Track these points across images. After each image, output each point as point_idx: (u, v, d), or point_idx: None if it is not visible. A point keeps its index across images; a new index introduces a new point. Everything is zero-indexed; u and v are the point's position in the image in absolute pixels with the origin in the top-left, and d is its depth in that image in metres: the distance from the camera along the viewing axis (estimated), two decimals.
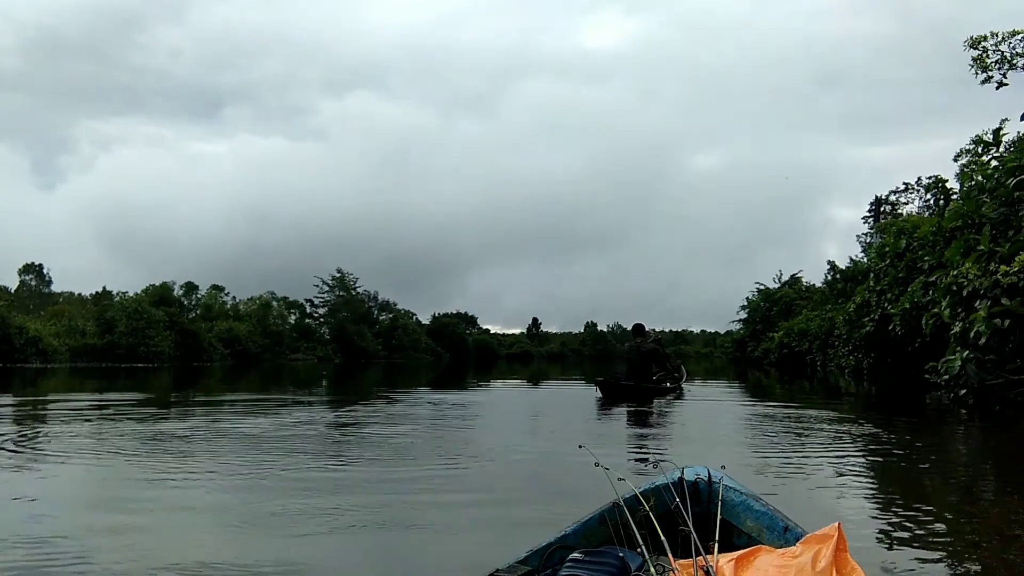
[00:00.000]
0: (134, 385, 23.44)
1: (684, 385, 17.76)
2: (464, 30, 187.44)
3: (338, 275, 75.06)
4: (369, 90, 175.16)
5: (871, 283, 24.59)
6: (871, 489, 6.35)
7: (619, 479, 3.29)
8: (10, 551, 4.06)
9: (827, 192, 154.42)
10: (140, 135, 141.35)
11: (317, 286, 73.77)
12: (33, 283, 65.76)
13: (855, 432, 10.07)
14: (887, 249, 23.39)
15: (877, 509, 5.46)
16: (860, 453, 8.26)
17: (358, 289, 77.06)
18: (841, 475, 6.64)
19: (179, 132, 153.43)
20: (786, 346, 44.39)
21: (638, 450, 8.35)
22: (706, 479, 3.46)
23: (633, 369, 15.29)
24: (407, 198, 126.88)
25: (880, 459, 7.99)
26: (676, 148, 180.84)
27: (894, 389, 19.59)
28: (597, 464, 3.39)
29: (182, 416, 12.32)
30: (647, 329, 16.85)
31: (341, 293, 74.80)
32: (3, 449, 7.99)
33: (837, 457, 7.71)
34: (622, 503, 3.19)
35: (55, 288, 66.14)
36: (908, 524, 4.85)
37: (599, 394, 15.09)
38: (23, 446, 8.37)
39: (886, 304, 22.37)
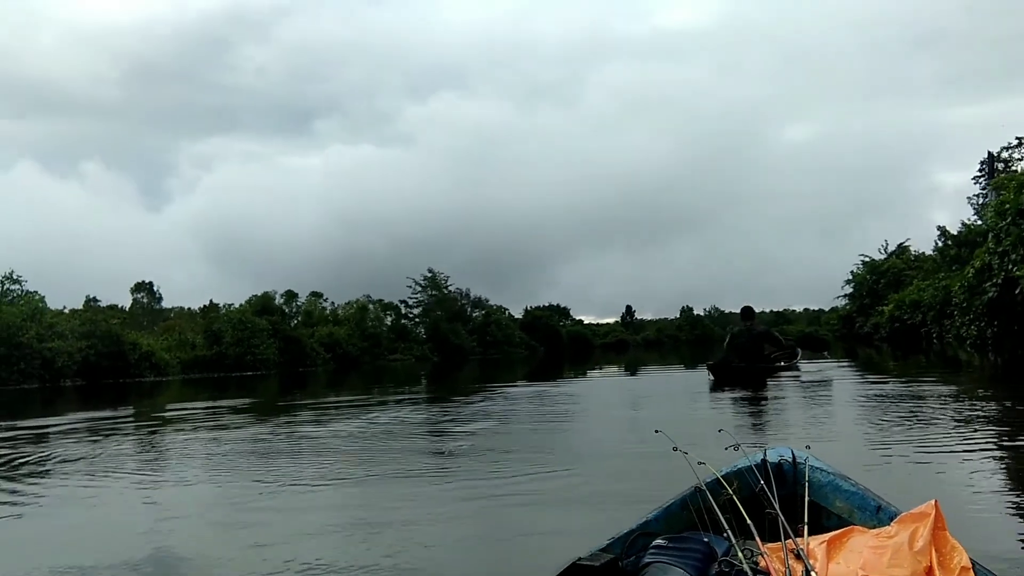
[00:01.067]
0: (245, 392, 24.12)
1: (799, 364, 17.02)
2: (537, 20, 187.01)
3: (430, 275, 75.99)
4: (450, 90, 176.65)
5: (991, 244, 22.85)
6: (989, 468, 5.83)
7: (699, 463, 3.19)
8: (137, 555, 4.27)
9: (930, 156, 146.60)
10: (236, 153, 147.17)
11: (410, 287, 74.95)
12: (145, 300, 69.21)
13: (976, 409, 9.34)
14: (1007, 206, 21.69)
15: (991, 489, 5.06)
16: (981, 431, 7.62)
17: (450, 288, 77.85)
18: (958, 454, 6.27)
19: (273, 147, 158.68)
20: (897, 319, 42.33)
21: (747, 433, 7.93)
22: (790, 460, 3.35)
23: (743, 351, 15.22)
24: (494, 194, 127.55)
25: (1004, 437, 7.30)
26: (765, 122, 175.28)
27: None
28: (675, 448, 3.29)
29: (293, 420, 12.58)
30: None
31: (434, 292, 75.70)
32: (128, 454, 8.44)
33: (954, 435, 7.23)
34: (704, 487, 3.08)
35: (166, 304, 69.62)
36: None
37: (711, 377, 14.98)
38: (147, 454, 8.87)
39: (1010, 266, 20.77)
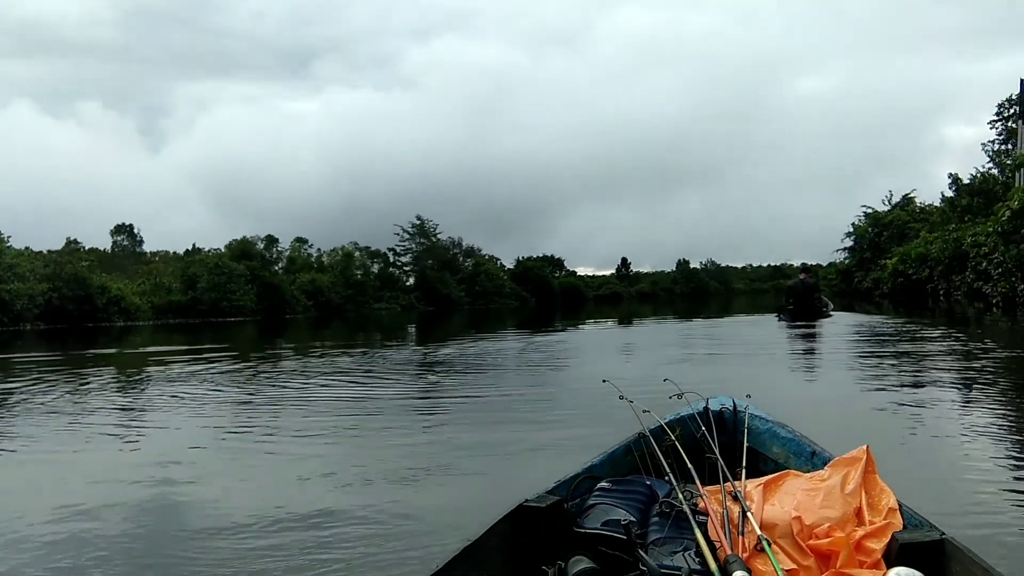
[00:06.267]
0: (215, 339, 22.58)
1: (832, 312, 20.73)
2: None
3: (418, 223, 73.98)
4: (456, 34, 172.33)
5: None
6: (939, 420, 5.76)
7: (644, 411, 3.30)
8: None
9: (941, 111, 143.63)
10: (233, 96, 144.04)
11: (397, 235, 72.98)
12: (125, 243, 66.98)
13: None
14: None
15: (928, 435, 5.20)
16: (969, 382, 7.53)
17: (439, 236, 75.84)
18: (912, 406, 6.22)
19: (270, 90, 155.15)
20: (901, 274, 40.50)
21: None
22: (731, 408, 3.49)
23: (800, 298, 19.60)
24: (498, 142, 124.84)
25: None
26: (778, 73, 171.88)
27: None
28: (621, 397, 3.41)
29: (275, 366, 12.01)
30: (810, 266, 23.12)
31: (422, 240, 73.79)
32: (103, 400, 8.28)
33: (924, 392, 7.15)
34: (648, 433, 3.20)
35: (151, 248, 67.30)
36: (960, 452, 4.66)
37: (780, 317, 19.47)
38: (119, 398, 8.69)
39: None
